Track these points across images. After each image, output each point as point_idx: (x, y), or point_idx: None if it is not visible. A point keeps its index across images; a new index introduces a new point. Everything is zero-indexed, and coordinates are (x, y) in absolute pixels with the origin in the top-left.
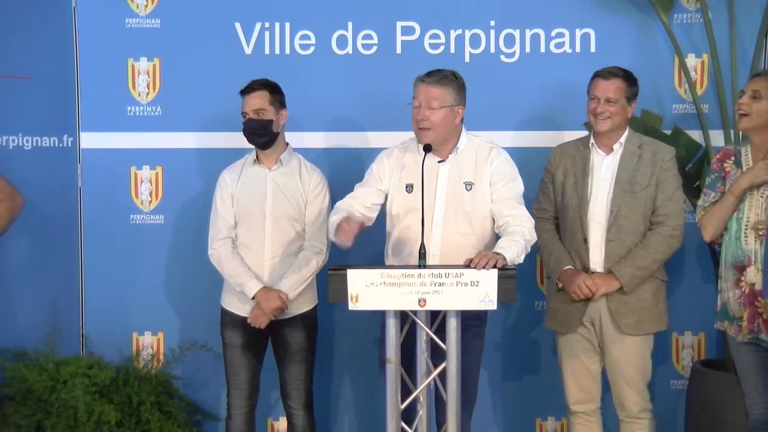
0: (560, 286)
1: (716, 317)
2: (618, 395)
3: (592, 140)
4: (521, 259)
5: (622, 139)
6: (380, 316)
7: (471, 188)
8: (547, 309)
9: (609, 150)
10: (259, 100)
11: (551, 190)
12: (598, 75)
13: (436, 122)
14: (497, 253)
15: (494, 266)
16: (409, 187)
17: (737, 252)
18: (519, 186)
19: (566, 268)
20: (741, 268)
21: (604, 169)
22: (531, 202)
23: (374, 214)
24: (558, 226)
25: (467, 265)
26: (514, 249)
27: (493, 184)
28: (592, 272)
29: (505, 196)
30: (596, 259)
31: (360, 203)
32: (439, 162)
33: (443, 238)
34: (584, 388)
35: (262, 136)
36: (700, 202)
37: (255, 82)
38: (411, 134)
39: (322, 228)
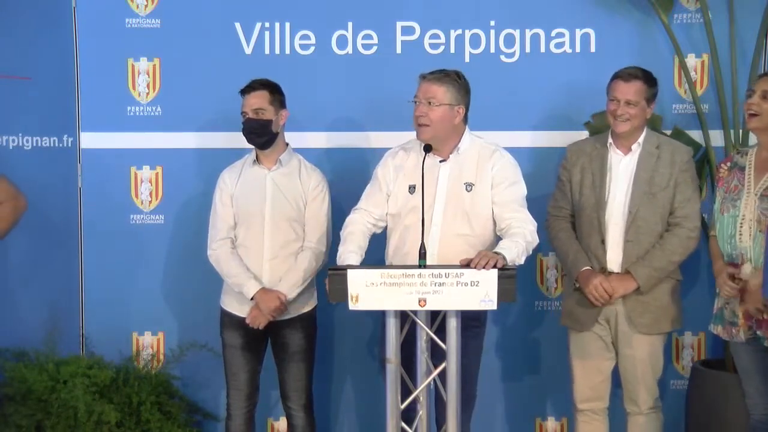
0: (577, 286)
1: (711, 320)
2: (629, 391)
3: (610, 140)
4: (522, 260)
5: (641, 139)
6: (378, 315)
7: (471, 189)
8: (563, 307)
9: (627, 150)
10: (258, 100)
11: (568, 189)
12: (618, 76)
13: (434, 119)
14: (497, 253)
15: (494, 266)
16: (412, 188)
17: (731, 251)
18: (521, 189)
19: (584, 269)
20: (735, 266)
21: (622, 169)
22: (532, 201)
23: (384, 223)
24: (574, 224)
25: (466, 265)
26: (514, 250)
27: (495, 186)
28: (609, 273)
29: (507, 199)
30: (614, 260)
31: (370, 216)
32: (440, 161)
33: (441, 238)
34: (594, 387)
35: (261, 136)
36: (712, 214)
37: (255, 82)
38: (412, 134)
39: (321, 229)
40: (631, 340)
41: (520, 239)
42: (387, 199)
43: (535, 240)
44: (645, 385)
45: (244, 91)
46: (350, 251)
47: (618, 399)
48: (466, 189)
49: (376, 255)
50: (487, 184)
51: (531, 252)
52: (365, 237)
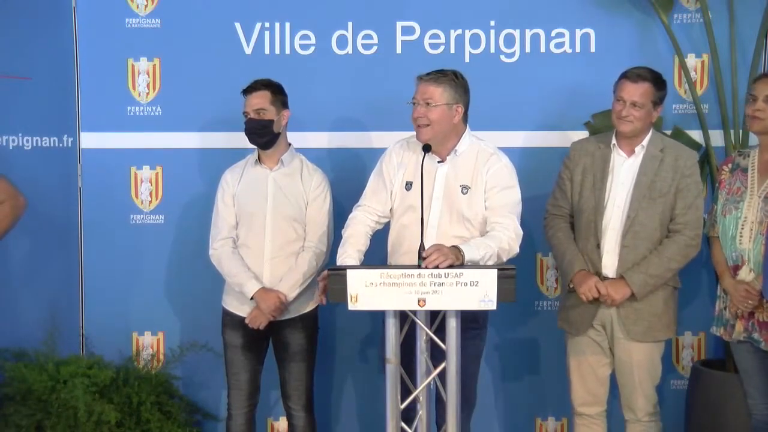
0: (572, 287)
1: (713, 322)
2: (626, 398)
3: (614, 140)
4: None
5: (645, 141)
6: (378, 315)
7: (467, 192)
8: (560, 309)
9: (630, 152)
10: (260, 100)
11: (569, 188)
12: (625, 76)
13: (433, 119)
14: (457, 248)
15: (449, 266)
16: (408, 185)
17: (732, 253)
18: (513, 194)
19: (579, 270)
20: (736, 269)
21: (624, 172)
22: (531, 201)
23: (387, 219)
24: (573, 224)
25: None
26: (481, 251)
27: (488, 190)
28: (605, 277)
29: (497, 204)
30: (609, 265)
31: (372, 214)
32: (438, 162)
33: (438, 239)
34: (591, 390)
35: (263, 136)
36: (710, 215)
37: (257, 82)
38: (412, 134)
39: (322, 229)
40: (626, 346)
41: (493, 243)
42: (391, 194)
43: (512, 249)
44: (642, 392)
45: (246, 91)
46: (348, 255)
47: (618, 401)
48: (462, 191)
49: (377, 255)
50: (482, 188)
51: (504, 260)
52: (366, 238)
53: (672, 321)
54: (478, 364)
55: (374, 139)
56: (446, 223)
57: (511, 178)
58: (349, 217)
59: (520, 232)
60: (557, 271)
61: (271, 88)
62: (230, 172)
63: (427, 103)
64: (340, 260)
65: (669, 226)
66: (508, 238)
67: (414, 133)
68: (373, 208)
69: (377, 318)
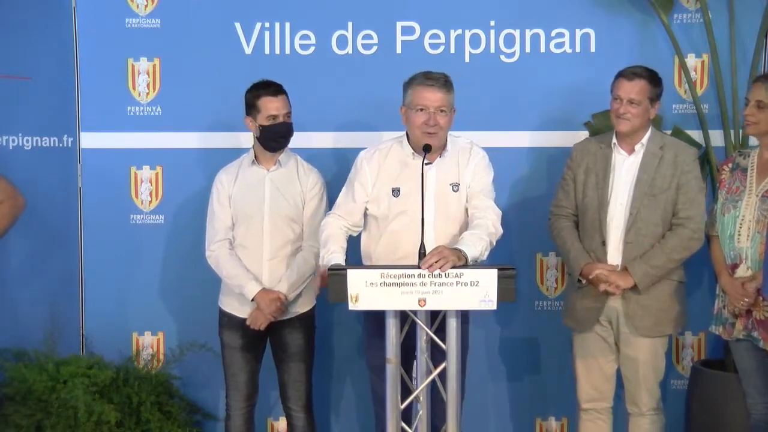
0: (584, 282)
1: (712, 321)
2: (631, 392)
3: (614, 140)
4: (485, 257)
5: (644, 139)
6: (363, 322)
7: (457, 189)
8: (565, 306)
9: (631, 150)
10: (285, 103)
11: (572, 188)
12: (621, 75)
13: (444, 126)
14: (459, 250)
15: (452, 267)
16: (396, 191)
17: (730, 252)
18: (488, 178)
19: (587, 263)
20: (734, 267)
21: (625, 170)
22: (532, 201)
23: (360, 228)
24: (577, 223)
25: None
26: (478, 247)
27: (470, 180)
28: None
29: (475, 189)
30: (614, 261)
31: (345, 222)
32: (426, 164)
33: (436, 240)
34: (597, 387)
35: (288, 138)
36: (710, 214)
37: (276, 84)
38: (396, 133)
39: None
40: (633, 342)
41: (484, 234)
42: (363, 207)
43: (498, 231)
44: (646, 387)
45: (267, 93)
46: (333, 251)
47: (622, 398)
48: (453, 190)
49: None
50: (468, 181)
51: (495, 244)
52: (345, 238)
53: (680, 315)
54: (465, 358)
55: (374, 139)
56: (442, 224)
57: (488, 165)
58: (323, 222)
59: (499, 211)
60: (557, 271)
61: (284, 91)
62: (224, 173)
63: (442, 111)
64: (325, 259)
65: (671, 220)
66: (492, 221)
67: (394, 137)
68: (345, 218)
69: (364, 324)
